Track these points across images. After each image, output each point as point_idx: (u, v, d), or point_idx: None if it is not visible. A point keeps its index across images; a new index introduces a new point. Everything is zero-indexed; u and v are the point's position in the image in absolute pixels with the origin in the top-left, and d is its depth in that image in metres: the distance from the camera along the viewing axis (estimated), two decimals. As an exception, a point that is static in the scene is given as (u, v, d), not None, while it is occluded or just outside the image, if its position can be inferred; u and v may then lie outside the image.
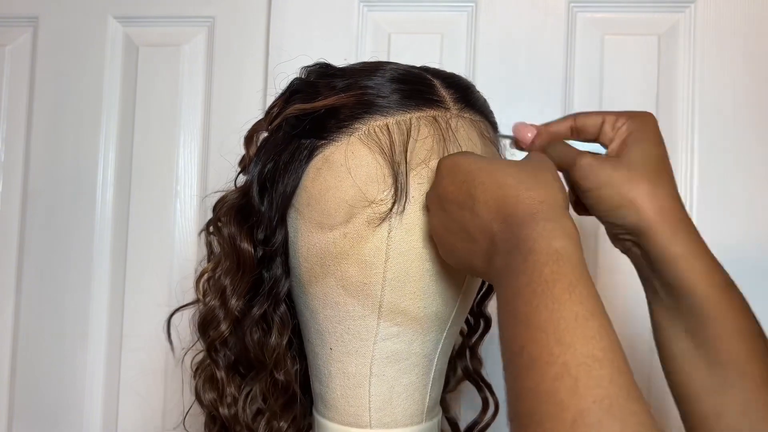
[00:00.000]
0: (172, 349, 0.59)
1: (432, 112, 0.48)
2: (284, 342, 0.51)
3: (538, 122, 0.54)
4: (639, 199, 0.45)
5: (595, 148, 0.50)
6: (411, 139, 0.46)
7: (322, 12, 0.83)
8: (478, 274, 0.43)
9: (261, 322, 0.51)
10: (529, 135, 0.52)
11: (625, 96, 0.78)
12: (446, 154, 0.46)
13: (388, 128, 0.46)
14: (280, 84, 0.53)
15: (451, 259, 0.45)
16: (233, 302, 0.51)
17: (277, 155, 0.49)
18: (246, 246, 0.50)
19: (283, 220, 0.49)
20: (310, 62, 0.53)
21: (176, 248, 0.86)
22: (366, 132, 0.46)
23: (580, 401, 0.30)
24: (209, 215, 0.54)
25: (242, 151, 0.54)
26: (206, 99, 0.86)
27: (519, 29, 0.80)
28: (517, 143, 0.53)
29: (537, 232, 0.36)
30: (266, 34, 0.84)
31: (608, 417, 0.29)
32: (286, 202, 0.48)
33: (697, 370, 0.45)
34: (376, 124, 0.46)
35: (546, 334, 0.32)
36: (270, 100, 0.54)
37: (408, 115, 0.47)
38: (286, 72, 0.53)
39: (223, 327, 0.51)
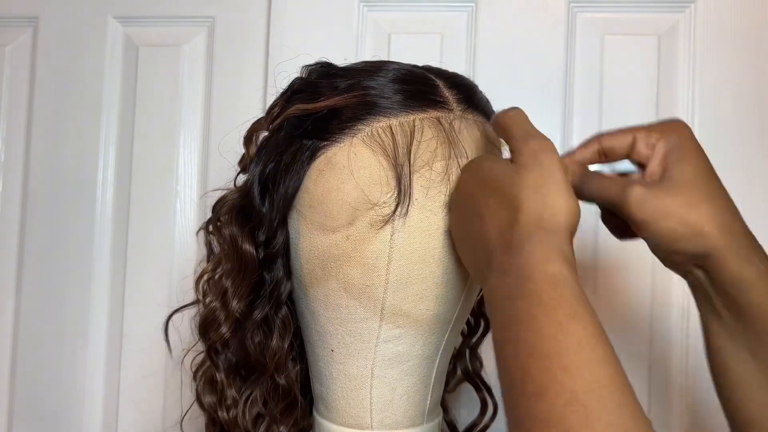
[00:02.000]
0: (170, 349, 0.59)
1: (435, 113, 0.47)
2: (285, 345, 0.51)
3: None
4: (704, 224, 0.40)
5: (624, 166, 0.46)
6: (415, 140, 0.46)
7: (322, 12, 0.83)
8: (477, 283, 0.43)
9: (262, 325, 0.51)
10: None
11: (625, 96, 0.78)
12: (450, 155, 0.46)
13: (391, 129, 0.46)
14: (281, 83, 0.53)
15: (461, 259, 0.45)
16: (234, 304, 0.50)
17: (278, 156, 0.48)
18: (248, 247, 0.50)
19: (284, 222, 0.49)
20: (311, 61, 0.52)
21: (176, 248, 0.85)
22: (369, 133, 0.46)
23: (592, 430, 0.30)
24: (209, 214, 0.54)
25: (242, 151, 0.54)
26: (206, 99, 0.86)
27: (519, 29, 0.80)
28: None
29: (533, 257, 0.36)
30: (266, 34, 0.84)
31: None
32: (287, 204, 0.48)
33: (757, 392, 0.42)
34: (379, 125, 0.46)
35: (551, 361, 0.32)
36: (270, 100, 0.53)
37: (411, 117, 0.46)
38: (288, 71, 0.53)
39: (224, 329, 0.51)
